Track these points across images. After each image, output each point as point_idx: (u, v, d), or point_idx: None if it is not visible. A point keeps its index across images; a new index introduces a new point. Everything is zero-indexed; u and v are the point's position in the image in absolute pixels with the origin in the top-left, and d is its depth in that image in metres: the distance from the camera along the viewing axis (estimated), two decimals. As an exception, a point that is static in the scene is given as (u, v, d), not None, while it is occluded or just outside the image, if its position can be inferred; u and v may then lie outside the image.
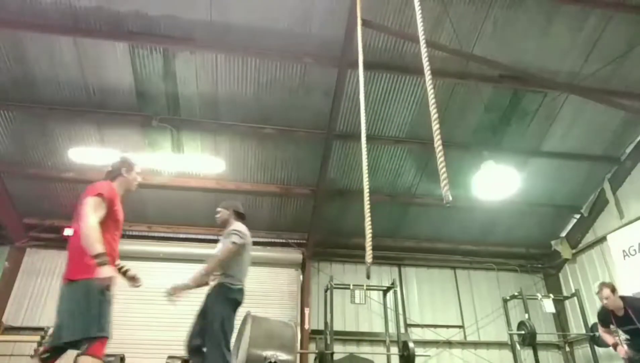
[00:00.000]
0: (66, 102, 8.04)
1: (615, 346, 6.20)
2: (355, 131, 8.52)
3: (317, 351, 8.16)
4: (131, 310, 9.24)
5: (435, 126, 3.07)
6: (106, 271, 3.11)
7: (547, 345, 10.50)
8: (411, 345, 7.77)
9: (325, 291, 8.84)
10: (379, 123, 8.65)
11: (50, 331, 8.78)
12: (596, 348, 8.72)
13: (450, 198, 2.79)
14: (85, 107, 8.14)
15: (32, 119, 8.32)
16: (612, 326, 6.14)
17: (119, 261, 3.74)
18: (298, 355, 7.70)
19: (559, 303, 10.14)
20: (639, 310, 5.74)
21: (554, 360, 10.50)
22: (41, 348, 4.03)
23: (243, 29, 7.24)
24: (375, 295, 9.89)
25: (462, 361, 10.12)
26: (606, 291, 5.81)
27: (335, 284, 8.78)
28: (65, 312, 3.22)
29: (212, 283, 4.43)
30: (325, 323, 8.54)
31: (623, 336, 6.17)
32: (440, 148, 2.98)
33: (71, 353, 3.23)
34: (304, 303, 9.90)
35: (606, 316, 6.05)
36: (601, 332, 6.40)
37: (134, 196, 9.63)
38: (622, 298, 5.93)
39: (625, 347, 6.03)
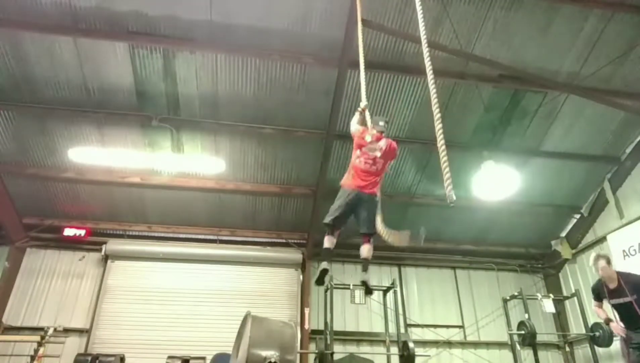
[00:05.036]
0: (66, 102, 8.04)
1: (608, 322, 6.25)
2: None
3: (317, 351, 8.14)
4: (131, 310, 9.25)
5: (438, 126, 3.06)
6: None
7: (547, 345, 10.50)
8: (411, 345, 7.76)
9: (325, 291, 8.83)
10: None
11: (51, 331, 8.80)
12: (596, 348, 8.72)
13: (454, 198, 2.79)
14: (85, 107, 8.14)
15: (32, 119, 8.31)
16: (604, 300, 6.19)
17: None
18: (298, 355, 7.70)
19: (559, 303, 10.13)
20: (631, 283, 5.82)
21: (554, 360, 10.49)
22: None
23: (243, 29, 7.24)
24: (375, 295, 9.84)
25: (462, 361, 10.12)
26: (602, 262, 5.91)
27: (335, 284, 8.77)
28: None
29: None
30: (325, 323, 8.53)
31: (617, 315, 6.22)
32: (444, 148, 2.96)
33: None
34: (304, 303, 9.89)
35: (600, 289, 6.14)
36: (594, 307, 6.47)
37: (134, 196, 9.68)
38: (618, 272, 6.02)
39: (621, 324, 6.07)
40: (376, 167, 4.69)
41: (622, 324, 6.08)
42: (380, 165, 4.71)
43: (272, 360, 4.48)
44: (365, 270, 4.88)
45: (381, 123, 4.95)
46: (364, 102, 5.34)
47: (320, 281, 4.92)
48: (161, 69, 7.79)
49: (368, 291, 5.01)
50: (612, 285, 5.93)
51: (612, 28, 7.41)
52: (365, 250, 4.77)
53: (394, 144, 4.86)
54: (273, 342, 4.70)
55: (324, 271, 4.81)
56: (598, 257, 5.98)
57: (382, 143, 4.73)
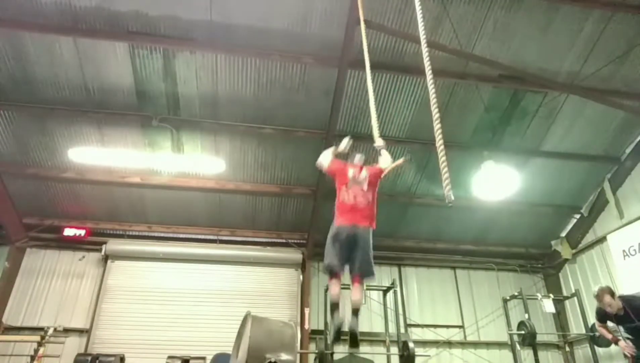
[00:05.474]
0: (66, 102, 8.04)
1: (616, 341, 6.22)
2: (355, 131, 8.53)
3: (317, 351, 8.15)
4: (131, 310, 9.25)
5: (436, 126, 3.07)
6: None
7: (547, 345, 10.50)
8: (411, 345, 7.76)
9: (325, 291, 8.83)
10: (380, 123, 8.63)
11: (51, 331, 8.80)
12: (596, 348, 8.73)
13: (453, 198, 2.79)
14: (85, 107, 8.14)
15: (32, 119, 8.31)
16: (610, 322, 6.17)
17: None
18: (298, 355, 7.70)
19: (559, 303, 10.14)
20: (637, 308, 5.76)
21: (554, 360, 10.49)
22: None
23: (243, 29, 7.24)
24: (375, 295, 9.88)
25: (462, 361, 10.12)
26: (607, 298, 5.81)
27: (335, 284, 8.77)
28: None
29: None
30: (325, 323, 8.54)
31: (624, 334, 6.19)
32: (442, 148, 2.97)
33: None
34: (304, 303, 9.89)
35: (605, 315, 6.09)
36: (598, 327, 6.48)
37: (134, 196, 9.69)
38: (621, 297, 5.96)
39: (630, 342, 6.04)
40: (366, 198, 4.35)
41: (630, 343, 6.07)
42: (371, 194, 4.40)
43: (272, 360, 4.48)
44: (355, 314, 4.19)
45: (358, 157, 4.66)
46: (343, 145, 4.82)
47: (337, 339, 4.41)
48: (161, 69, 7.79)
49: (354, 343, 4.17)
50: (619, 312, 5.86)
51: (612, 28, 7.41)
52: (358, 295, 4.18)
53: (377, 167, 4.60)
54: (273, 342, 4.70)
55: (340, 330, 4.18)
56: (602, 293, 5.85)
57: (364, 174, 4.46)
